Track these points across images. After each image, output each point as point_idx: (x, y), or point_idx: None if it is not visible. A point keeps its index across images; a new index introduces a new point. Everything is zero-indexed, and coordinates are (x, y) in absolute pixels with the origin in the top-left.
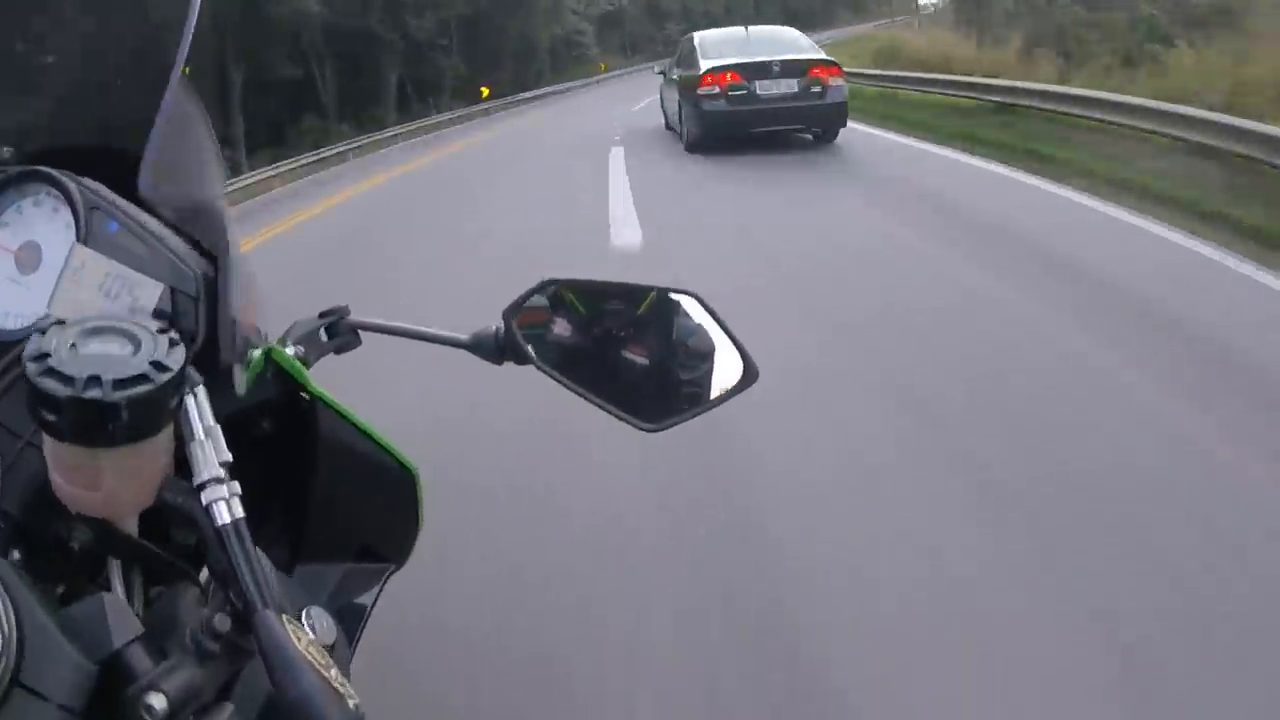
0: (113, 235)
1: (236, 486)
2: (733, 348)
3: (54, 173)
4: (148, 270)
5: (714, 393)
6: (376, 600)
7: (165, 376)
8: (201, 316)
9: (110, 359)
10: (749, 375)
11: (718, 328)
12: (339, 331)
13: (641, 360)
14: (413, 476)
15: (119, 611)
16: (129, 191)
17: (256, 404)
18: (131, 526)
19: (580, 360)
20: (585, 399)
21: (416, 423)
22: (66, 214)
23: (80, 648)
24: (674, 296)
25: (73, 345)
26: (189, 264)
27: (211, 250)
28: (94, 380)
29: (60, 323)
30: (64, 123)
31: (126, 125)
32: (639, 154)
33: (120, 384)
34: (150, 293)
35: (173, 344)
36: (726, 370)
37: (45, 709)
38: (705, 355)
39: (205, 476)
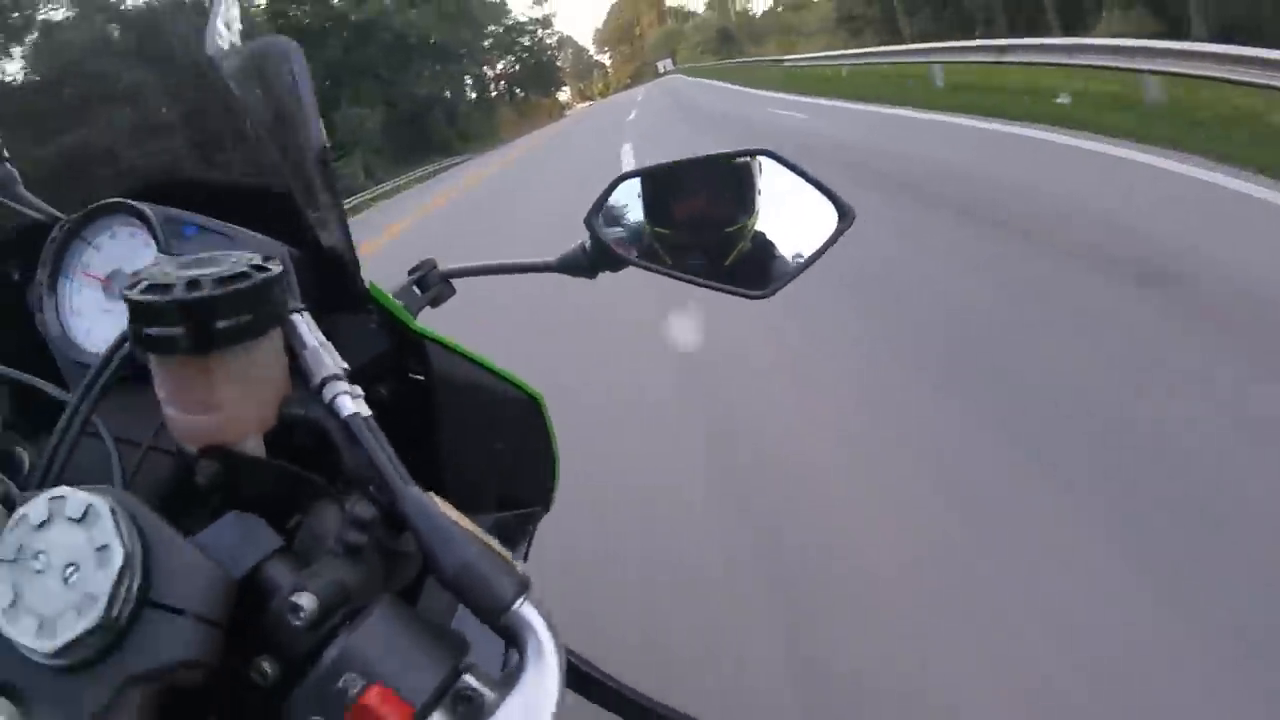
0: (192, 238)
1: (358, 388)
2: (820, 194)
3: (130, 201)
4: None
5: (814, 244)
6: (528, 550)
7: (265, 275)
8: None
9: (207, 265)
10: (845, 216)
11: (799, 178)
12: (430, 283)
13: (732, 230)
14: (538, 403)
15: (256, 527)
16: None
17: (367, 365)
18: (258, 449)
19: (672, 247)
20: (689, 283)
21: None
22: (144, 234)
23: (217, 564)
24: (747, 159)
25: (165, 274)
26: (274, 244)
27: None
28: (193, 283)
29: None
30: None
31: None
32: None
33: (220, 281)
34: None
35: (268, 258)
36: (820, 218)
37: (181, 622)
38: (794, 209)
39: (324, 374)
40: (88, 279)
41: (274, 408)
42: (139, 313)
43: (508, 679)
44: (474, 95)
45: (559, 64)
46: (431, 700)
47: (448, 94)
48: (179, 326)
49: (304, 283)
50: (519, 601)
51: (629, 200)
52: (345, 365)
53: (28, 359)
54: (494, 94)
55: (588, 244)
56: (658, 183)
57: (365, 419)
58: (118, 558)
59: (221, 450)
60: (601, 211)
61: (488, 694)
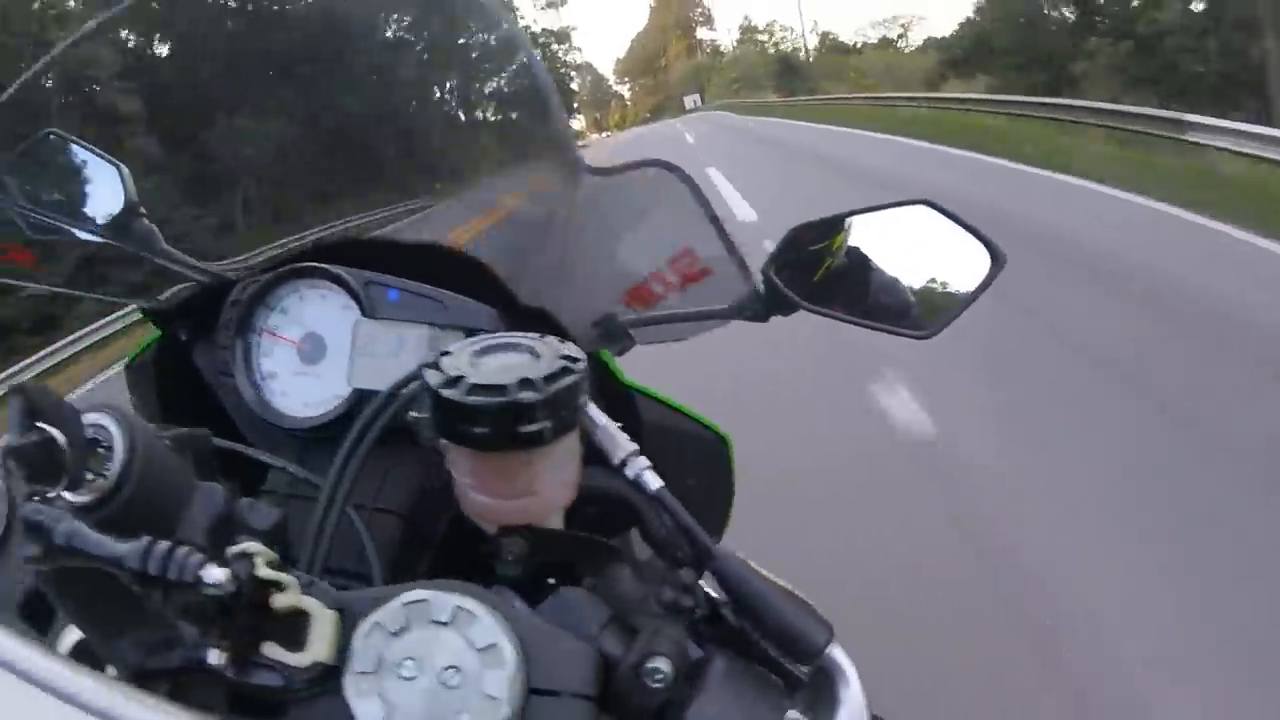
0: (395, 303)
1: (647, 461)
2: (976, 240)
3: (323, 265)
4: (442, 322)
5: (969, 286)
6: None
7: (580, 367)
8: None
9: (519, 366)
10: (997, 260)
11: (956, 225)
12: (613, 334)
13: (891, 275)
14: (726, 444)
15: (586, 599)
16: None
17: None
18: (558, 523)
19: (837, 291)
20: (856, 324)
21: None
22: (341, 298)
23: (585, 642)
24: (906, 209)
25: (472, 365)
26: (482, 310)
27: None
28: (526, 382)
29: (445, 354)
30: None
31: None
32: None
33: (548, 379)
34: (454, 338)
35: (562, 340)
36: (974, 262)
37: (565, 704)
38: (950, 254)
39: (624, 453)
40: (279, 341)
41: (575, 487)
42: (461, 414)
43: (823, 714)
44: (460, 114)
45: (574, 88)
46: None
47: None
48: (508, 427)
49: None
50: (830, 645)
51: (795, 248)
52: (635, 445)
53: (187, 413)
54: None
55: (761, 289)
56: (820, 231)
57: (663, 490)
58: (510, 656)
59: (526, 528)
60: (776, 261)
61: None
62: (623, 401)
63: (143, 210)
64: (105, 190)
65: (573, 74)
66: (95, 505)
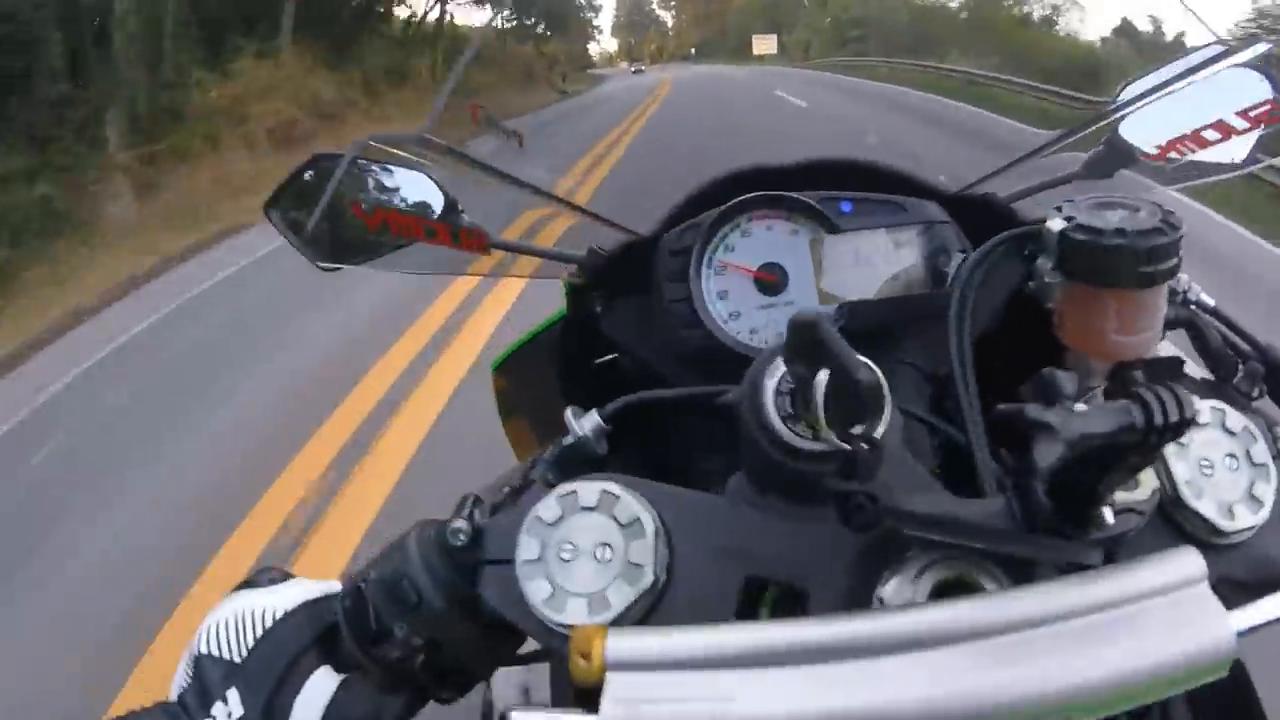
0: (851, 214)
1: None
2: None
3: (773, 194)
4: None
5: None
6: None
7: (1176, 219)
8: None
9: (1135, 218)
10: None
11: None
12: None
13: None
14: None
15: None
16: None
17: None
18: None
19: None
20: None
21: None
22: (788, 224)
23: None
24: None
25: (1102, 220)
26: (929, 205)
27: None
28: (1164, 227)
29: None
30: None
31: None
32: None
33: (1172, 225)
34: (907, 236)
35: (1168, 212)
36: None
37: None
38: None
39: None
40: (735, 275)
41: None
42: (1126, 254)
43: None
44: None
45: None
46: None
47: None
48: (1164, 263)
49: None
50: None
51: None
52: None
53: (588, 392)
54: None
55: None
56: None
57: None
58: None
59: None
60: None
61: None
62: None
63: (461, 208)
64: (428, 191)
65: None
66: None
